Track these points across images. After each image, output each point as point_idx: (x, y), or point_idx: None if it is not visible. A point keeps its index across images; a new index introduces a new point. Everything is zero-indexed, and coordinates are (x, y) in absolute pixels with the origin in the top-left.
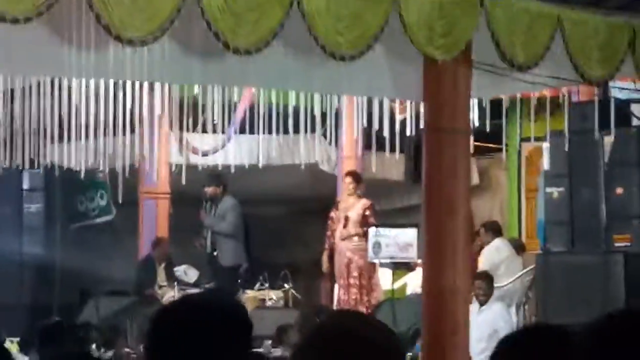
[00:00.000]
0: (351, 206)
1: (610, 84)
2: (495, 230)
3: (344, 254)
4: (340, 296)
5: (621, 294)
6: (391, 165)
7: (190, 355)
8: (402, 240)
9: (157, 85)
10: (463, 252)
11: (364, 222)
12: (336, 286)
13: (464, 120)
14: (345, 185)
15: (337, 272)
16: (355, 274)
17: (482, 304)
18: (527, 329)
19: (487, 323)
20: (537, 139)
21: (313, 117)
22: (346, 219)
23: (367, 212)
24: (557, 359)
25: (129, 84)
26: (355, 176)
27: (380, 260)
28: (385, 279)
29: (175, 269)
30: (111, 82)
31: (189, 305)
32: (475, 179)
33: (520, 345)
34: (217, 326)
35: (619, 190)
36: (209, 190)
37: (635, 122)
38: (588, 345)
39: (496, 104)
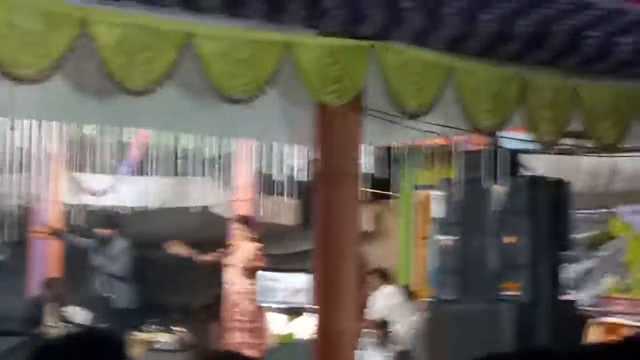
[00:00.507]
0: (240, 248)
1: (501, 133)
2: (384, 276)
3: (230, 297)
4: (230, 340)
5: (510, 342)
6: (284, 210)
7: None
8: (292, 285)
9: (51, 124)
10: (353, 296)
11: (252, 266)
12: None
13: (354, 165)
14: (235, 229)
15: (225, 314)
16: (239, 317)
17: (381, 349)
18: None
19: None
20: (429, 187)
21: (204, 161)
22: (233, 259)
23: (257, 255)
24: None
25: (21, 122)
26: (243, 220)
27: (269, 304)
28: (277, 324)
29: (64, 308)
30: (2, 119)
31: (67, 341)
32: (368, 226)
33: None
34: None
35: (510, 239)
36: (101, 231)
37: (524, 172)
38: None
39: (389, 151)
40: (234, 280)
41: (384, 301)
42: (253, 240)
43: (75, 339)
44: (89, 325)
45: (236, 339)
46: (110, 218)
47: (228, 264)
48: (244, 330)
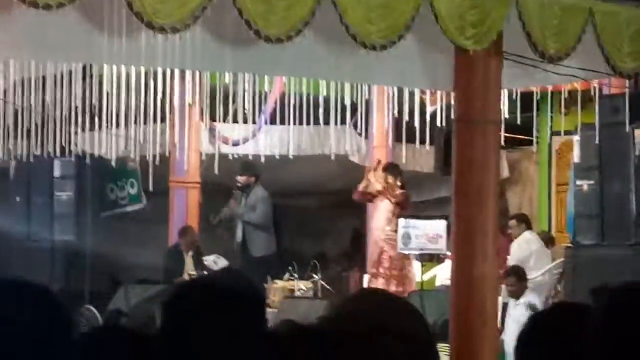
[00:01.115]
0: (388, 196)
1: None
2: (525, 222)
3: (376, 244)
4: (370, 286)
5: None
6: (421, 157)
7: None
8: (432, 231)
9: (188, 74)
10: (492, 244)
11: (398, 213)
12: (365, 276)
13: (495, 111)
14: (386, 178)
15: (368, 261)
16: (386, 264)
17: (516, 298)
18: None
19: (523, 316)
20: (568, 132)
21: (343, 108)
22: (382, 208)
23: (403, 202)
24: (578, 336)
25: (160, 72)
26: (395, 171)
27: (409, 251)
28: (415, 271)
29: (204, 258)
30: (142, 70)
31: (200, 284)
32: (505, 172)
33: (545, 322)
34: (230, 304)
35: None
36: (242, 179)
37: None
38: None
39: (527, 96)
40: (380, 227)
41: (523, 247)
42: (401, 187)
43: (213, 281)
44: (227, 269)
45: (380, 286)
46: (252, 166)
47: (375, 209)
48: (384, 276)
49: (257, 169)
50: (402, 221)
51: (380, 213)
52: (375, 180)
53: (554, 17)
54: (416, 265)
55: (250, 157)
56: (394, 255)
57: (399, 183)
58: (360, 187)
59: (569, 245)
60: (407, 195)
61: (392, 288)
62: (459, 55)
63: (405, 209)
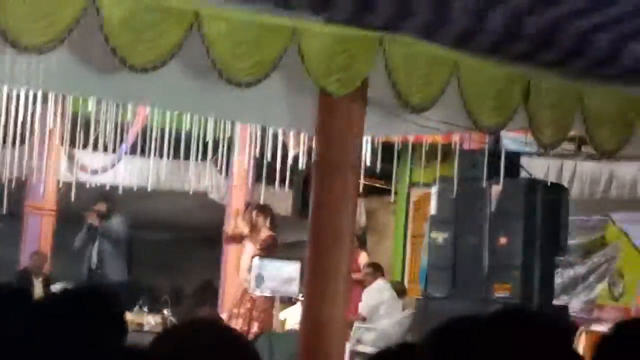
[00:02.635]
0: (258, 237)
1: (502, 134)
2: (378, 270)
3: (240, 284)
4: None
5: None
6: (280, 199)
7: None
8: (285, 274)
9: (50, 99)
10: (344, 288)
11: (266, 254)
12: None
13: (355, 157)
14: (255, 218)
15: (223, 299)
16: (248, 305)
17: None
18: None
19: None
20: (427, 184)
21: (205, 144)
22: (251, 250)
23: (265, 245)
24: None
25: (22, 94)
26: (266, 209)
27: (261, 292)
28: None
29: (53, 286)
30: (4, 91)
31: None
32: (363, 221)
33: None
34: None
35: (503, 240)
36: (98, 207)
37: (523, 174)
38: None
39: (389, 146)
40: (245, 268)
41: (375, 295)
42: (271, 228)
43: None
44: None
45: (240, 326)
46: (107, 195)
47: (244, 250)
48: (252, 318)
49: (112, 199)
50: (256, 261)
51: (246, 254)
52: (242, 223)
53: (420, 67)
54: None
55: (108, 187)
56: (258, 297)
57: (268, 225)
58: (229, 230)
59: (420, 297)
60: (273, 238)
61: (253, 329)
62: (323, 98)
63: (271, 251)
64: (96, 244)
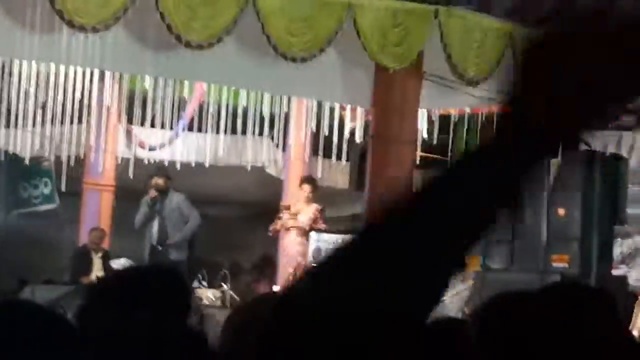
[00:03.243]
0: (301, 210)
1: None
2: None
3: (292, 257)
4: None
5: None
6: (337, 172)
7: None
8: None
9: (108, 77)
10: None
11: (314, 227)
12: (275, 288)
13: (411, 131)
14: (302, 191)
15: (280, 274)
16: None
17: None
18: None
19: None
20: None
21: (262, 119)
22: (296, 222)
23: (318, 216)
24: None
25: (79, 73)
26: (313, 183)
27: None
28: None
29: (113, 261)
30: (62, 69)
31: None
32: None
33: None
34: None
35: (561, 212)
36: (159, 181)
37: (582, 146)
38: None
39: (445, 118)
40: (296, 241)
41: None
42: (315, 202)
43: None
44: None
45: None
46: (165, 171)
47: (291, 225)
48: None
49: (171, 175)
50: (313, 235)
51: (299, 228)
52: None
53: (475, 40)
54: None
55: (166, 163)
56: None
57: (312, 197)
58: (275, 227)
59: (478, 269)
60: (321, 211)
61: None
62: (379, 72)
63: (319, 224)
64: (157, 219)
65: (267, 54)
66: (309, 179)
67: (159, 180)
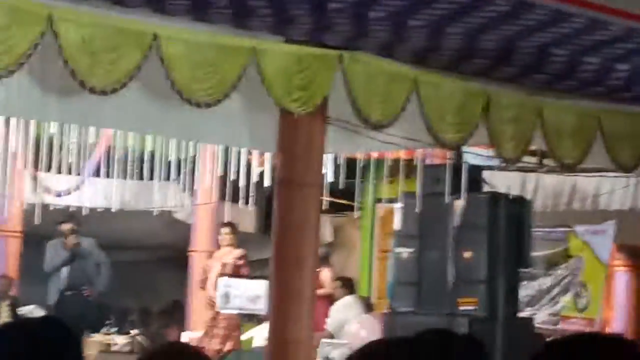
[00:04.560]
0: (225, 255)
1: (464, 149)
2: (348, 286)
3: (210, 303)
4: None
5: None
6: (245, 217)
7: None
8: (252, 292)
9: (13, 122)
10: (309, 308)
11: (236, 272)
12: (184, 334)
13: (317, 174)
14: (222, 235)
15: (194, 321)
16: (222, 324)
17: None
18: None
19: None
20: (391, 200)
21: (168, 164)
22: (223, 266)
23: (241, 262)
24: None
25: None
26: (232, 227)
27: (228, 310)
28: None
29: (21, 308)
30: None
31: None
32: (329, 237)
33: None
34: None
35: (467, 254)
36: (66, 227)
37: (485, 188)
38: None
39: (352, 162)
40: (213, 285)
41: (341, 311)
42: (236, 246)
43: (26, 326)
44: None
45: (216, 346)
46: (73, 216)
47: (211, 269)
48: (227, 338)
49: (78, 220)
50: (222, 280)
51: (214, 273)
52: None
53: (379, 85)
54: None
55: (73, 209)
56: (229, 316)
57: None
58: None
59: (386, 311)
60: (245, 256)
61: (226, 348)
62: (284, 117)
63: (244, 269)
64: (67, 265)
65: (172, 99)
66: (228, 224)
67: (66, 227)
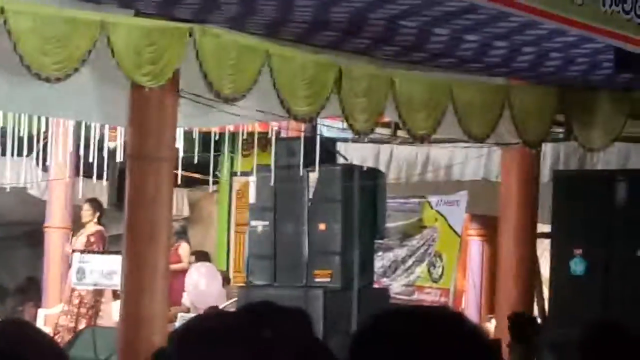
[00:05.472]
0: (84, 232)
1: (319, 121)
2: (204, 260)
3: (70, 281)
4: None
5: (319, 329)
6: (99, 192)
7: None
8: (107, 267)
9: None
10: (163, 281)
11: (89, 247)
12: (40, 311)
13: (169, 148)
14: (84, 211)
15: (50, 297)
16: (75, 301)
17: None
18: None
19: None
20: (248, 173)
21: (20, 140)
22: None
23: (92, 239)
24: None
25: None
26: (93, 203)
27: (83, 286)
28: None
29: None
30: None
31: None
32: (186, 211)
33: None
34: None
35: (322, 226)
36: None
37: (340, 160)
38: None
39: (207, 136)
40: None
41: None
42: (100, 223)
43: None
44: None
45: (70, 324)
46: None
47: (74, 246)
48: (79, 315)
49: None
50: (76, 256)
51: (79, 248)
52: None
53: (231, 58)
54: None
55: None
56: (86, 292)
57: (95, 219)
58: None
59: (243, 285)
60: (102, 232)
61: (81, 326)
62: (135, 91)
63: (101, 245)
64: None
65: (21, 74)
66: (91, 200)
67: None
